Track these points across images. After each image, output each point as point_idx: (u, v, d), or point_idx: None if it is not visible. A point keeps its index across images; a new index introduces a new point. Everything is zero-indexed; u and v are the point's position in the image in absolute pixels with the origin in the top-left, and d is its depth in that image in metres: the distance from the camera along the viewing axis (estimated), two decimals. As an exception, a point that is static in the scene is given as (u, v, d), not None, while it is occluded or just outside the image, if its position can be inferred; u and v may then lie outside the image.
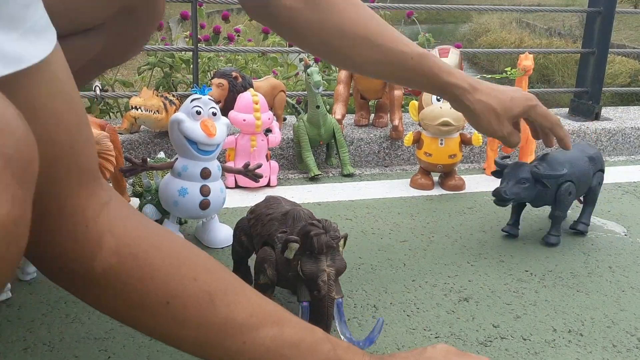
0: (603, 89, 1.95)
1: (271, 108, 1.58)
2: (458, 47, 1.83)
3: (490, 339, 0.79)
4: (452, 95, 0.85)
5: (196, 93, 1.00)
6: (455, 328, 0.81)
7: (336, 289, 0.73)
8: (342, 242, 0.75)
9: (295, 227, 0.77)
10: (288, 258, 0.73)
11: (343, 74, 1.62)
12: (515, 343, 0.78)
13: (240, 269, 0.90)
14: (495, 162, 1.08)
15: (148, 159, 1.02)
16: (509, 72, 1.31)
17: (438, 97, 1.32)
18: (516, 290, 0.92)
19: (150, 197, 1.06)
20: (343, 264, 0.74)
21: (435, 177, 1.44)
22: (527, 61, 1.30)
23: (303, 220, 0.78)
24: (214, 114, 1.00)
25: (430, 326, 0.82)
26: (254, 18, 0.85)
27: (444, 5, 1.92)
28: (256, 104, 1.28)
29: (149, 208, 1.05)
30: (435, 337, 0.79)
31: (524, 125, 1.40)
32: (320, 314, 0.73)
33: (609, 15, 1.85)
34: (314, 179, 1.43)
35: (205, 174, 1.00)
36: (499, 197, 1.02)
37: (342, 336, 0.72)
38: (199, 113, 0.98)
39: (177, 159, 1.00)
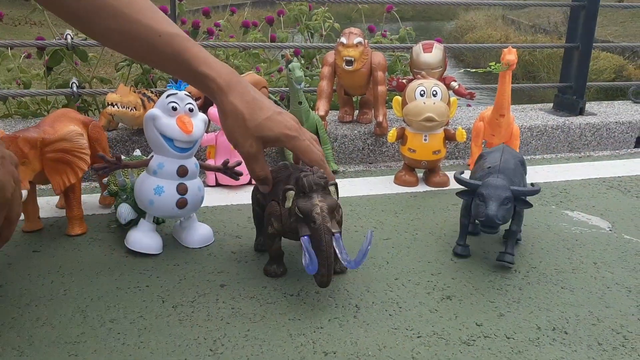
0: (591, 84, 1.95)
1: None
2: (439, 41, 1.81)
3: (473, 337, 0.77)
4: (204, 88, 0.75)
5: (172, 88, 0.97)
6: (437, 327, 0.79)
7: (332, 224, 0.80)
8: (333, 188, 0.84)
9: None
10: (287, 207, 0.83)
11: (326, 69, 1.60)
12: (499, 342, 0.76)
13: (261, 231, 0.98)
14: (459, 180, 0.94)
15: (122, 157, 0.99)
16: (492, 67, 1.29)
17: (422, 92, 1.30)
18: (500, 288, 0.90)
19: (125, 196, 1.03)
20: (334, 201, 0.82)
21: (420, 174, 1.42)
22: (510, 55, 1.28)
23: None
24: (191, 110, 0.98)
25: (412, 325, 0.80)
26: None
27: (424, 0, 1.90)
28: (236, 100, 1.25)
29: (124, 207, 1.02)
30: (418, 337, 0.77)
31: (509, 120, 1.39)
32: (319, 243, 0.79)
33: (593, 9, 1.85)
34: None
35: (182, 171, 0.97)
36: (492, 225, 0.88)
37: (343, 262, 0.80)
38: (175, 109, 0.95)
39: (152, 156, 0.97)
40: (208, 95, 0.78)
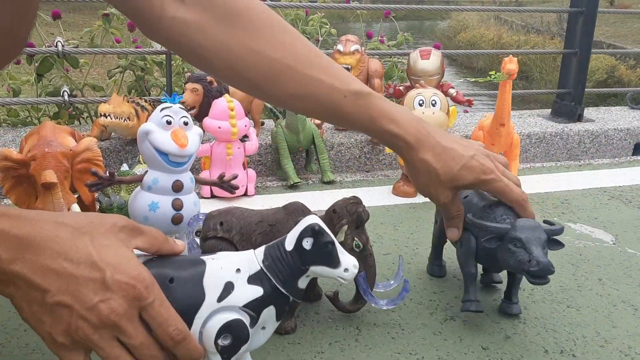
0: (590, 90, 1.93)
1: (248, 113, 1.53)
2: (437, 47, 1.79)
3: (479, 362, 0.75)
4: (391, 145, 0.73)
5: (166, 101, 0.94)
6: (442, 351, 0.77)
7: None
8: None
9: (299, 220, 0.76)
10: (340, 242, 0.75)
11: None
12: (506, 367, 0.74)
13: None
14: (481, 225, 0.76)
15: (115, 173, 0.96)
16: (492, 76, 1.27)
17: (420, 102, 1.28)
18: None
19: None
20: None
21: (418, 184, 1.39)
22: (511, 65, 1.26)
23: (303, 212, 0.78)
24: (186, 124, 0.95)
25: (416, 349, 0.77)
26: (150, 38, 0.73)
27: (421, 6, 1.88)
28: (232, 110, 1.23)
29: None
30: (422, 362, 0.74)
31: (509, 129, 1.37)
32: (372, 274, 0.79)
33: (591, 15, 1.83)
34: (293, 187, 1.38)
35: (177, 186, 0.94)
36: (549, 273, 0.73)
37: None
38: (169, 123, 0.92)
39: (146, 171, 0.94)
40: (397, 152, 0.75)
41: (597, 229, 1.18)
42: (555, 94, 1.97)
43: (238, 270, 0.61)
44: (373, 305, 0.80)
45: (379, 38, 2.17)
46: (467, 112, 2.13)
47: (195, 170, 1.44)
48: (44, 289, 0.48)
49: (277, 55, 0.67)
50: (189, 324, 0.58)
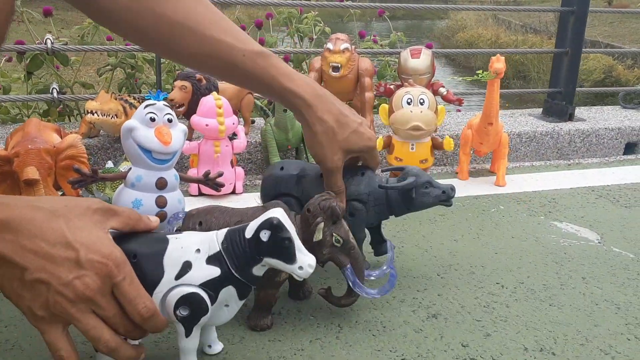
0: (581, 90, 1.94)
1: (238, 111, 1.53)
2: (429, 46, 1.79)
3: (458, 359, 0.75)
4: (291, 105, 0.76)
5: (150, 99, 0.94)
6: (422, 348, 0.77)
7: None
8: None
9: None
10: (317, 240, 0.76)
11: (313, 75, 1.57)
12: (485, 364, 0.74)
13: None
14: (408, 185, 0.88)
15: (99, 170, 0.96)
16: (480, 75, 1.27)
17: (409, 100, 1.28)
18: (487, 305, 0.88)
19: None
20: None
21: (407, 182, 1.40)
22: (498, 64, 1.26)
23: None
24: (170, 121, 0.94)
25: (396, 347, 0.77)
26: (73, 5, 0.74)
27: (416, 5, 1.88)
28: (219, 108, 1.23)
29: None
30: (401, 359, 0.75)
31: (497, 128, 1.37)
32: (359, 266, 0.78)
33: (582, 14, 1.83)
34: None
35: (161, 184, 0.94)
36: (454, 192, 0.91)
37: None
38: (153, 120, 0.92)
39: (130, 168, 0.94)
40: (293, 111, 0.77)
41: (583, 227, 1.18)
42: (547, 93, 1.97)
43: (198, 250, 0.65)
44: (364, 296, 0.79)
45: (372, 37, 2.17)
46: (459, 111, 2.13)
47: (184, 168, 1.44)
48: (22, 267, 0.52)
49: (179, 17, 0.69)
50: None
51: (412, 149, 1.29)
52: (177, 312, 0.63)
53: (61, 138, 1.05)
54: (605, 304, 0.89)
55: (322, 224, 0.75)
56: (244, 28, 2.12)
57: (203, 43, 0.71)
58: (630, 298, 0.91)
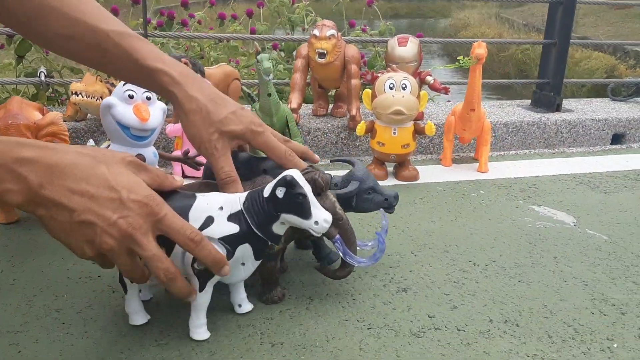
0: (569, 81, 1.94)
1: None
2: (420, 36, 1.80)
3: (423, 329, 0.76)
4: (158, 84, 0.70)
5: (129, 76, 0.96)
6: (389, 319, 0.78)
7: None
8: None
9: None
10: None
11: (299, 62, 1.59)
12: (449, 334, 0.75)
13: None
14: (352, 192, 0.88)
15: (78, 145, 0.97)
16: (461, 61, 1.28)
17: (391, 85, 1.30)
18: (457, 281, 0.89)
19: None
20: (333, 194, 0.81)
21: (390, 168, 1.41)
22: (479, 49, 1.27)
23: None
24: (149, 99, 0.96)
25: (364, 317, 0.79)
26: None
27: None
28: (203, 90, 1.24)
29: None
30: (368, 328, 0.76)
31: (480, 114, 1.38)
32: (349, 236, 0.79)
33: (570, 5, 1.84)
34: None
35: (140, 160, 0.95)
36: (397, 199, 0.90)
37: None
38: (131, 97, 0.94)
39: (109, 145, 0.96)
40: (162, 93, 0.71)
41: (560, 211, 1.19)
42: (535, 84, 1.98)
43: (221, 208, 0.69)
44: (357, 265, 0.79)
45: (362, 27, 2.19)
46: (449, 102, 2.15)
47: (169, 151, 1.45)
48: (71, 209, 0.55)
49: None
50: (172, 248, 0.68)
51: (395, 133, 1.31)
52: (195, 265, 0.68)
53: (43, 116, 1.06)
54: (573, 281, 0.90)
55: None
56: (234, 17, 2.13)
57: (68, 24, 0.67)
58: (599, 276, 0.92)
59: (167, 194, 0.69)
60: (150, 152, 0.97)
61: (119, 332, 0.73)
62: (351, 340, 0.73)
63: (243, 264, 0.71)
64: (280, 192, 0.67)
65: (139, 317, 0.74)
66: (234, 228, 0.68)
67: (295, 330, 0.75)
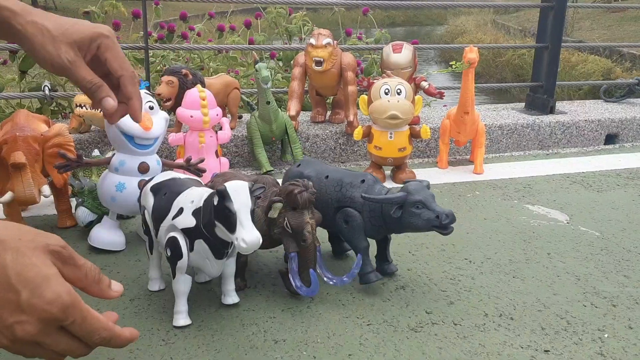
0: (561, 83, 1.98)
1: (225, 106, 1.58)
2: (415, 43, 1.84)
3: (421, 324, 0.79)
4: (1, 21, 0.65)
5: (132, 87, 0.99)
6: (388, 315, 0.81)
7: (317, 239, 0.82)
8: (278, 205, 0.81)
9: (267, 192, 0.84)
10: (272, 217, 0.82)
11: (297, 70, 1.62)
12: (446, 328, 0.78)
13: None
14: (378, 200, 0.85)
15: (84, 156, 1.00)
16: (454, 66, 1.32)
17: (386, 90, 1.33)
18: (453, 278, 0.92)
19: (81, 200, 1.05)
20: (320, 216, 0.83)
21: (388, 171, 1.44)
22: (471, 54, 1.31)
23: (272, 186, 0.87)
24: (151, 108, 0.99)
25: (363, 314, 0.82)
26: None
27: (401, 2, 1.93)
28: (203, 100, 1.27)
29: (81, 211, 1.04)
30: (367, 324, 0.79)
31: (474, 117, 1.42)
32: (307, 260, 0.81)
33: (561, 9, 1.88)
34: (269, 175, 1.42)
35: (144, 168, 0.99)
36: (455, 219, 0.82)
37: (324, 277, 0.83)
38: (135, 107, 0.97)
39: (114, 154, 0.99)
40: (4, 29, 0.66)
41: (553, 209, 1.22)
42: (529, 87, 2.01)
43: (192, 201, 0.75)
44: (292, 285, 0.80)
45: (357, 35, 2.23)
46: (445, 106, 2.18)
47: (172, 159, 1.48)
48: None
49: None
50: (158, 228, 0.78)
51: (391, 137, 1.34)
52: (166, 251, 0.75)
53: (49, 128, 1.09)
54: (566, 276, 0.93)
55: (279, 205, 0.80)
56: (233, 28, 2.17)
57: None
58: (591, 270, 0.95)
59: (181, 179, 0.81)
60: (154, 160, 1.01)
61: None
62: (351, 336, 0.76)
63: (208, 259, 0.76)
64: (215, 200, 0.71)
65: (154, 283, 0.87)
66: (191, 222, 0.74)
67: (297, 328, 0.78)
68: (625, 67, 7.30)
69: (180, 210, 0.75)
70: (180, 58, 1.99)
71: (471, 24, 12.02)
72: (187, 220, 0.74)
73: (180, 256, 0.74)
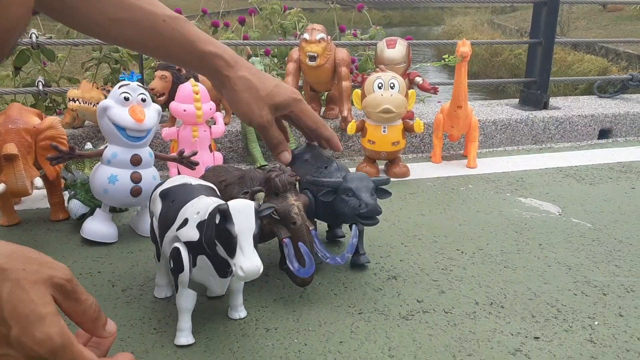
0: (555, 79, 1.98)
1: (219, 101, 1.58)
2: (409, 39, 1.85)
3: (412, 313, 0.79)
4: (211, 67, 0.75)
5: (124, 79, 0.99)
6: (379, 304, 0.82)
7: (309, 220, 0.81)
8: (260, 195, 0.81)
9: (254, 185, 0.84)
10: None
11: (291, 66, 1.62)
12: (437, 316, 0.79)
13: None
14: (317, 182, 0.87)
15: (76, 148, 1.00)
16: (447, 59, 1.32)
17: (379, 85, 1.33)
18: (445, 268, 0.93)
19: (73, 192, 1.05)
20: (306, 198, 0.82)
21: (382, 166, 1.45)
22: (464, 47, 1.31)
23: (259, 180, 0.85)
24: (144, 100, 1.00)
25: (355, 303, 0.82)
26: None
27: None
28: (196, 94, 1.28)
29: (73, 203, 1.04)
30: (359, 313, 0.79)
31: (467, 111, 1.42)
32: (302, 242, 0.79)
33: (554, 6, 1.89)
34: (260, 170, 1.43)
35: (136, 160, 0.99)
36: (377, 213, 0.84)
37: (323, 259, 0.81)
38: (127, 99, 0.97)
39: (106, 146, 0.99)
40: (213, 74, 0.76)
41: (546, 202, 1.23)
42: (523, 83, 2.02)
43: (198, 212, 0.69)
44: (292, 270, 0.78)
45: (352, 32, 2.23)
46: (439, 102, 2.18)
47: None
48: None
49: None
50: (163, 237, 0.72)
51: (384, 131, 1.34)
52: (169, 262, 0.70)
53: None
54: (557, 266, 0.94)
55: (261, 194, 0.80)
56: (227, 25, 2.17)
57: (122, 8, 0.70)
58: (582, 260, 0.96)
59: (178, 185, 0.75)
60: (147, 152, 1.01)
61: (118, 323, 0.76)
62: (343, 324, 0.76)
63: (212, 276, 0.69)
64: (217, 218, 0.65)
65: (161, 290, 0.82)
66: (195, 236, 0.68)
67: (289, 317, 0.78)
68: (622, 66, 7.33)
69: (185, 222, 0.69)
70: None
71: (468, 24, 12.06)
72: (191, 233, 0.68)
73: (182, 269, 0.69)
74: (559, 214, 1.16)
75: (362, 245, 0.93)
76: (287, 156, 0.81)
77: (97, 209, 1.02)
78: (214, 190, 0.78)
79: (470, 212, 1.17)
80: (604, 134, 1.93)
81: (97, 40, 1.77)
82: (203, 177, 0.91)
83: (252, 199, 0.79)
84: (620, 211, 1.17)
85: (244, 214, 0.63)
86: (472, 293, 0.85)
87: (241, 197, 0.82)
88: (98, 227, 1.00)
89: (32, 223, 1.09)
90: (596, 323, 0.77)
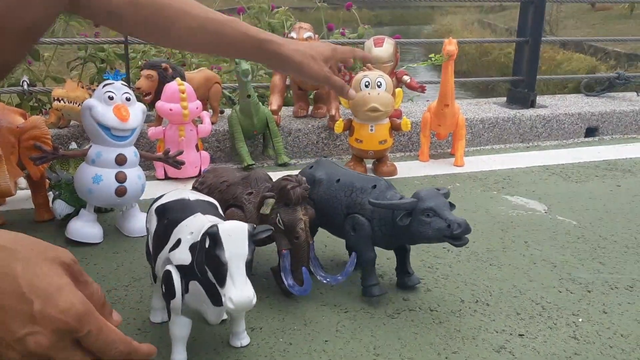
0: (542, 77, 2.00)
1: (207, 100, 1.57)
2: (398, 37, 1.85)
3: (398, 311, 0.79)
4: (270, 51, 0.86)
5: (108, 79, 0.99)
6: (365, 302, 0.82)
7: (310, 236, 0.81)
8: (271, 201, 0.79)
9: (260, 188, 0.84)
10: (264, 213, 0.79)
11: (278, 64, 1.62)
12: (422, 314, 0.79)
13: None
14: (386, 205, 0.78)
15: (60, 148, 1.00)
16: (433, 58, 1.32)
17: (367, 83, 1.33)
18: (431, 266, 0.93)
19: (58, 193, 1.05)
20: (313, 212, 0.81)
21: (370, 165, 1.45)
22: (450, 46, 1.32)
23: (264, 181, 0.85)
24: (128, 99, 0.99)
25: (341, 302, 0.82)
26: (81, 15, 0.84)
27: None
28: (182, 93, 1.27)
29: (58, 204, 1.04)
30: (345, 312, 0.79)
31: (454, 110, 1.42)
32: (300, 257, 0.79)
33: (541, 4, 1.90)
34: (247, 169, 1.42)
35: (121, 160, 0.98)
36: (469, 231, 0.74)
37: (317, 276, 0.80)
38: (111, 98, 0.97)
39: (90, 146, 0.98)
40: (269, 56, 0.86)
41: (532, 200, 1.23)
42: (510, 81, 2.03)
43: (191, 233, 0.62)
44: (285, 283, 0.78)
45: (340, 31, 2.23)
46: (428, 101, 2.19)
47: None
48: None
49: (173, 3, 0.83)
50: (157, 257, 0.66)
51: (372, 130, 1.34)
52: (161, 287, 0.63)
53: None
54: (542, 263, 0.94)
55: (271, 200, 0.79)
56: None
57: (194, 20, 0.83)
58: (567, 258, 0.96)
59: (175, 201, 0.68)
60: (131, 151, 1.00)
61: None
62: (328, 323, 0.76)
63: (205, 303, 0.63)
64: (207, 242, 0.59)
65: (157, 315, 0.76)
66: (187, 259, 0.61)
67: (275, 316, 0.78)
68: (610, 64, 7.38)
69: (178, 242, 0.63)
70: (162, 54, 1.98)
71: (458, 24, 12.09)
72: (183, 256, 0.61)
73: (173, 295, 0.62)
74: (545, 212, 1.17)
75: (409, 265, 0.86)
76: (353, 93, 0.91)
77: (82, 209, 1.01)
78: (215, 207, 0.71)
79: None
80: (590, 132, 1.95)
81: (82, 39, 1.76)
82: (202, 179, 0.90)
83: (262, 203, 0.80)
84: (605, 209, 1.18)
85: (235, 238, 0.57)
86: (458, 291, 0.85)
87: (245, 198, 0.84)
88: (83, 227, 0.99)
89: (16, 224, 1.08)
90: (580, 320, 0.78)
